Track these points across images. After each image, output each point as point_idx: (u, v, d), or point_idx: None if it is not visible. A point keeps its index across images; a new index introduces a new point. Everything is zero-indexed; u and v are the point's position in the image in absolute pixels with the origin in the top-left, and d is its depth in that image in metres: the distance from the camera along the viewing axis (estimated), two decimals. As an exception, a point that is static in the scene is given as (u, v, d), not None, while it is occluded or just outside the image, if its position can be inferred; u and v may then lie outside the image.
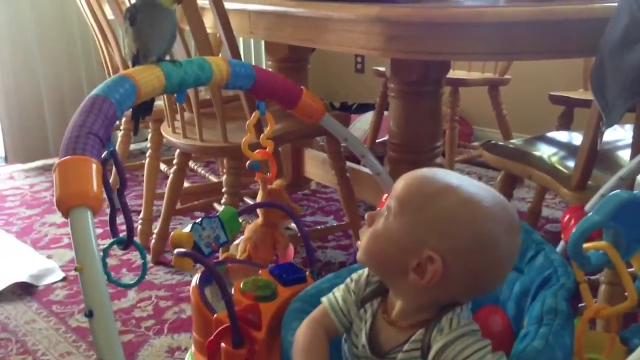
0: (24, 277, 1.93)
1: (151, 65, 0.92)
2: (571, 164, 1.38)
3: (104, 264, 0.78)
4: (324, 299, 0.89)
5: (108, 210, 0.87)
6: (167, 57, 0.98)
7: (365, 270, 0.88)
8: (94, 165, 0.72)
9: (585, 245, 0.81)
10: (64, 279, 1.96)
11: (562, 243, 0.96)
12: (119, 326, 1.69)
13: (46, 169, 3.07)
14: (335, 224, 2.31)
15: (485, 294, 0.84)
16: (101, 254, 0.71)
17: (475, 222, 0.75)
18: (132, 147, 2.83)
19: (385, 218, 0.79)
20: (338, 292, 0.88)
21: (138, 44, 0.94)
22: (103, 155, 0.80)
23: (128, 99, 0.85)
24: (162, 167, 2.36)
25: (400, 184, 0.80)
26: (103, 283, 0.67)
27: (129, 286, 1.56)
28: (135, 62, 0.96)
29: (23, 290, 1.90)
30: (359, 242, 0.84)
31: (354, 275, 0.89)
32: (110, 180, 0.88)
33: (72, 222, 0.69)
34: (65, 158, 0.73)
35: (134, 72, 0.89)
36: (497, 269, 0.78)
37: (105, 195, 0.77)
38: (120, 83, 0.85)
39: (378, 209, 0.87)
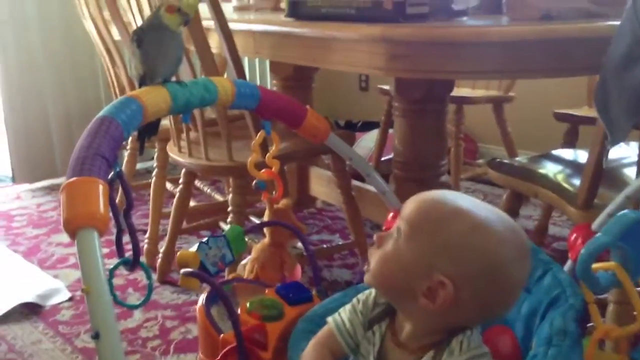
0: (30, 297, 1.93)
1: (157, 87, 0.93)
2: (577, 182, 1.38)
3: (110, 285, 0.78)
4: (329, 320, 0.88)
5: (114, 230, 0.87)
6: (173, 78, 0.99)
7: (373, 291, 0.87)
8: (100, 186, 0.73)
9: (594, 265, 0.81)
10: (70, 299, 1.96)
11: (569, 262, 0.96)
12: (125, 346, 1.68)
13: (53, 188, 3.08)
14: (341, 243, 2.31)
15: (496, 318, 0.84)
16: (107, 274, 0.71)
17: (486, 247, 0.75)
18: (139, 166, 2.84)
19: (395, 240, 0.79)
20: (344, 312, 0.87)
21: (145, 65, 0.95)
22: (110, 176, 0.80)
23: (135, 119, 0.85)
24: (168, 186, 2.37)
25: (411, 206, 0.80)
26: (109, 305, 0.67)
27: (135, 307, 1.56)
28: (142, 83, 0.97)
29: (29, 310, 1.90)
30: (366, 267, 0.83)
31: (361, 296, 0.88)
32: (117, 201, 0.88)
33: (79, 243, 0.69)
34: (72, 179, 0.73)
35: (141, 93, 0.90)
36: (507, 294, 0.78)
37: (111, 216, 0.77)
38: (127, 104, 0.86)
39: (384, 229, 0.87)
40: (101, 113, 0.83)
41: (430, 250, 0.76)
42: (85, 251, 0.69)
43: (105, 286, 0.67)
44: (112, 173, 0.81)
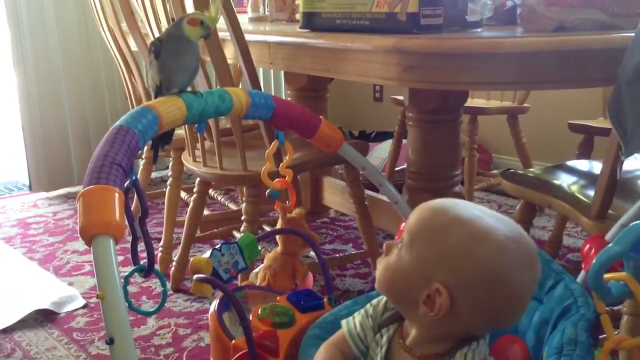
0: (45, 304, 1.95)
1: (173, 97, 0.94)
2: (591, 192, 1.37)
3: (125, 292, 0.79)
4: (343, 323, 0.90)
5: (129, 238, 0.89)
6: (189, 89, 1.00)
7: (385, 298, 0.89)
8: (116, 195, 0.74)
9: (606, 276, 0.81)
10: (84, 306, 1.98)
11: (582, 273, 0.95)
12: (138, 354, 1.70)
13: (69, 197, 3.12)
14: (353, 252, 2.31)
15: (503, 328, 0.83)
16: (122, 281, 0.72)
17: (485, 257, 0.75)
18: (153, 175, 2.87)
19: (399, 250, 0.81)
20: (358, 316, 0.90)
21: (161, 76, 0.96)
22: (126, 184, 0.82)
23: (150, 129, 0.87)
24: (182, 194, 2.38)
25: (413, 216, 0.81)
26: (124, 311, 0.68)
27: (149, 314, 1.57)
28: (158, 93, 0.98)
29: (44, 317, 1.92)
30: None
31: (374, 301, 0.90)
32: (132, 208, 0.89)
33: (95, 250, 0.71)
34: (89, 187, 0.75)
35: (157, 103, 0.91)
36: (512, 303, 0.78)
37: (127, 224, 0.78)
38: (143, 114, 0.87)
39: (396, 237, 0.88)
40: (118, 122, 0.85)
41: (428, 259, 0.77)
42: (100, 258, 0.70)
43: (120, 292, 0.69)
44: (128, 181, 0.82)
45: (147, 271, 0.85)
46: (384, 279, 0.82)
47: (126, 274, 0.84)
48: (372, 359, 0.85)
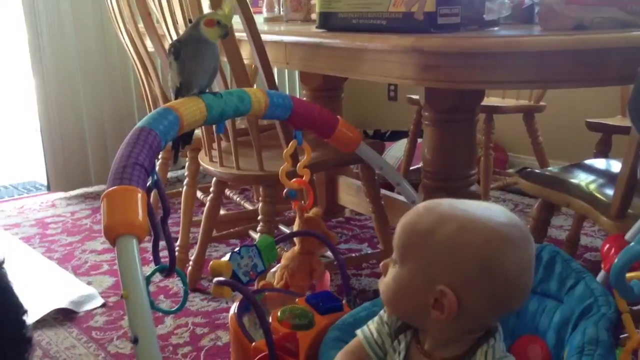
0: (64, 303, 1.97)
1: (193, 98, 0.95)
2: (610, 192, 1.36)
3: (147, 291, 0.80)
4: (358, 332, 0.89)
5: (151, 238, 0.90)
6: (208, 90, 1.01)
7: None
8: (139, 195, 0.75)
9: (628, 275, 0.80)
10: (103, 305, 2.00)
11: (602, 272, 0.95)
12: (156, 352, 1.71)
13: (87, 197, 3.15)
14: (369, 252, 2.31)
15: (514, 310, 0.83)
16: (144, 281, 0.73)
17: (475, 245, 0.75)
18: (170, 174, 2.88)
19: (393, 267, 0.81)
20: (372, 324, 0.89)
21: (181, 77, 0.97)
22: (148, 184, 0.82)
23: (172, 130, 0.88)
24: (199, 194, 2.40)
25: (397, 230, 0.81)
26: (148, 310, 0.69)
27: (171, 312, 1.59)
28: (178, 94, 0.99)
29: (64, 316, 1.93)
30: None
31: None
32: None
33: (119, 250, 0.72)
34: (113, 188, 0.76)
35: (178, 104, 0.92)
36: (514, 284, 0.78)
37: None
38: (164, 115, 0.88)
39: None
40: (139, 123, 0.86)
41: (424, 265, 0.77)
42: (124, 258, 0.71)
43: (144, 292, 0.69)
44: (150, 181, 0.83)
45: (168, 271, 0.86)
46: (387, 300, 0.82)
47: (147, 273, 0.85)
48: None
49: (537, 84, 1.44)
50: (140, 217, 0.73)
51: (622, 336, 0.90)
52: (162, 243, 0.88)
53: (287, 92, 3.70)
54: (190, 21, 1.59)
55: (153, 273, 0.86)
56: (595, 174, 1.54)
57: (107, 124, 3.21)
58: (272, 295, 1.16)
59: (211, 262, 1.09)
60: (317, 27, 1.50)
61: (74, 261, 2.37)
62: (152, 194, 0.85)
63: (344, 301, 1.11)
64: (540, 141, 2.65)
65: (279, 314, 1.05)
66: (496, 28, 1.39)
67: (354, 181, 2.31)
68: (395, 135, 3.49)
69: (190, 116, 0.91)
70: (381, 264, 0.84)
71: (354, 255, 2.27)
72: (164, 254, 0.88)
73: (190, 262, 2.09)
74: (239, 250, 1.10)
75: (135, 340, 0.67)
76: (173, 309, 0.94)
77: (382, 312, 0.89)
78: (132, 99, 3.25)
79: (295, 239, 1.21)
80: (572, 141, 2.86)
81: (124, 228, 0.72)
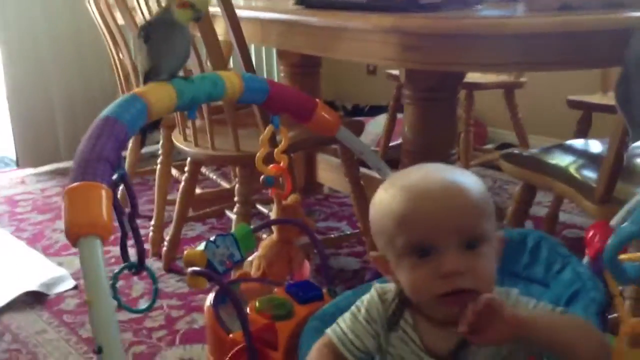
0: (34, 286, 1.91)
1: (163, 83, 0.90)
2: (593, 174, 1.34)
3: (115, 289, 0.76)
4: (328, 331, 0.84)
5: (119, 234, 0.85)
6: (180, 73, 0.95)
7: (374, 294, 0.83)
8: (103, 192, 0.71)
9: (621, 256, 0.78)
10: (75, 287, 1.94)
11: (586, 258, 0.93)
12: (130, 337, 1.67)
13: (57, 172, 3.06)
14: (348, 231, 2.29)
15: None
16: (111, 281, 0.69)
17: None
18: (144, 150, 2.80)
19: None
20: (343, 323, 0.83)
21: (151, 61, 0.92)
22: (114, 178, 0.77)
23: (139, 119, 0.83)
24: (174, 172, 2.34)
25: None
26: (113, 317, 0.65)
27: (140, 312, 1.54)
28: (147, 78, 0.94)
29: (34, 299, 1.88)
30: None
31: (360, 303, 0.84)
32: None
33: (82, 252, 0.67)
34: (75, 184, 0.71)
35: (146, 90, 0.87)
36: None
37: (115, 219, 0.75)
38: (132, 103, 0.83)
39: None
40: (105, 112, 0.80)
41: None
42: (88, 260, 0.67)
43: (109, 297, 0.65)
44: (116, 176, 0.78)
45: (137, 268, 0.82)
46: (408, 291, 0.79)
47: (116, 271, 0.81)
48: (402, 357, 0.80)
49: (522, 65, 1.40)
50: (105, 216, 0.69)
51: (610, 316, 0.88)
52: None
53: (265, 68, 3.62)
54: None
55: (121, 270, 0.81)
56: (577, 156, 1.52)
57: (77, 98, 3.10)
58: (249, 285, 1.13)
59: (185, 252, 1.06)
60: (294, 3, 1.44)
61: (44, 241, 2.30)
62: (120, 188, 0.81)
63: (324, 290, 1.08)
64: (519, 117, 2.64)
65: (257, 304, 1.02)
66: (480, 7, 1.34)
67: (332, 158, 2.27)
68: (375, 110, 3.45)
69: (159, 103, 0.86)
70: (372, 259, 0.84)
71: (332, 235, 2.24)
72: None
73: (166, 242, 2.05)
74: (215, 239, 1.06)
75: (99, 350, 0.63)
76: (142, 308, 0.90)
77: (353, 309, 0.84)
78: (104, 72, 3.13)
79: (273, 227, 1.18)
80: (553, 117, 2.85)
81: (87, 228, 0.67)
